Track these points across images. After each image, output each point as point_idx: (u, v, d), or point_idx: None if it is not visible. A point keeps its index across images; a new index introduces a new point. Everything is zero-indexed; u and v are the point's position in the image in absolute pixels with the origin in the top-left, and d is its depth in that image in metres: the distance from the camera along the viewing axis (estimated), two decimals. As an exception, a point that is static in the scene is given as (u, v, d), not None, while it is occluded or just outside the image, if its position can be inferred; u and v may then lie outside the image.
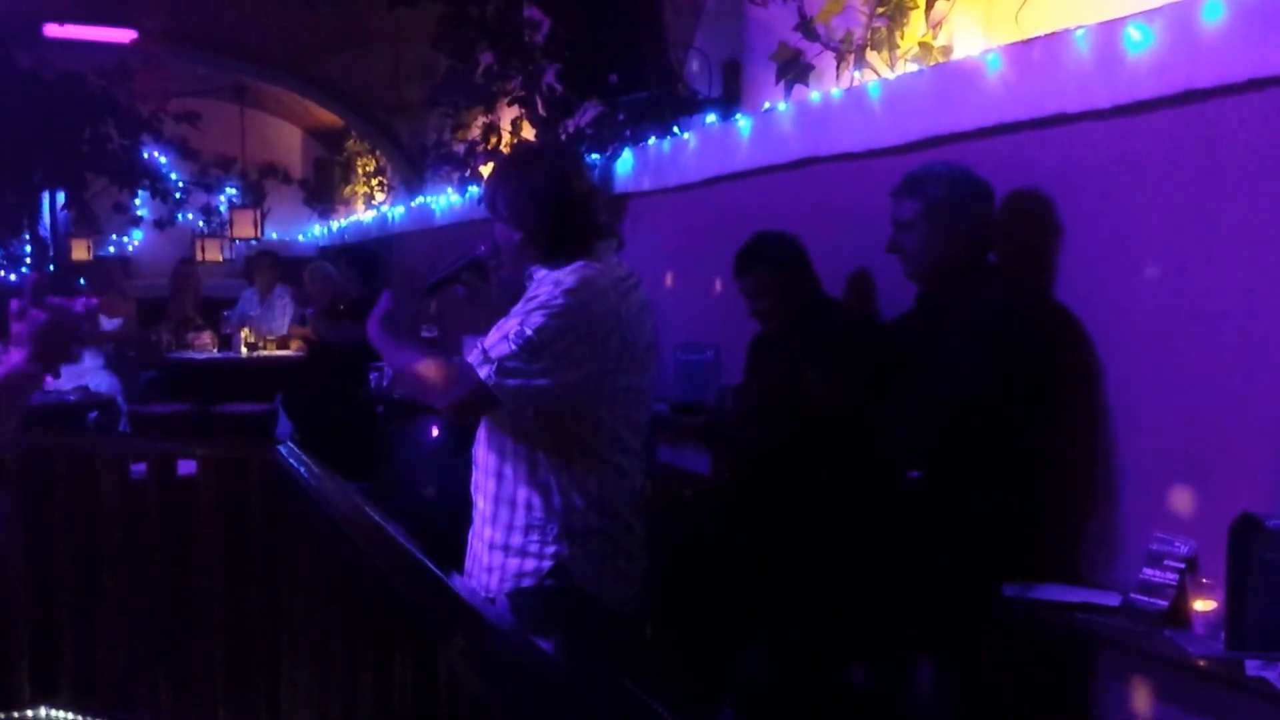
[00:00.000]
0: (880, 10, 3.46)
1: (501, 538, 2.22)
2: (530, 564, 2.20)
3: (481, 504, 2.29)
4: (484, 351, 2.10)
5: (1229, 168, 2.31)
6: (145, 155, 10.45)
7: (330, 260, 7.68)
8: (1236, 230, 2.30)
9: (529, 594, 2.19)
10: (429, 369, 2.18)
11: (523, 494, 2.21)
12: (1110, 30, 2.53)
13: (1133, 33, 2.47)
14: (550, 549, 2.19)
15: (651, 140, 4.86)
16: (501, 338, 2.10)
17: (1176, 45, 2.38)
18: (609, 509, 2.21)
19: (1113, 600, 2.44)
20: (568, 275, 2.16)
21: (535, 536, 2.20)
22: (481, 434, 2.31)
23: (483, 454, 2.29)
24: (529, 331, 2.08)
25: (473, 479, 2.33)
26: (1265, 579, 2.10)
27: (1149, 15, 2.44)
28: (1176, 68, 2.38)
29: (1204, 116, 2.35)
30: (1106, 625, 2.37)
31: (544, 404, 2.13)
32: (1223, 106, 2.31)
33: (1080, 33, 2.60)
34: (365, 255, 6.80)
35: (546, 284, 2.16)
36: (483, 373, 2.08)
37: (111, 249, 11.11)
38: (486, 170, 6.85)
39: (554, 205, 2.22)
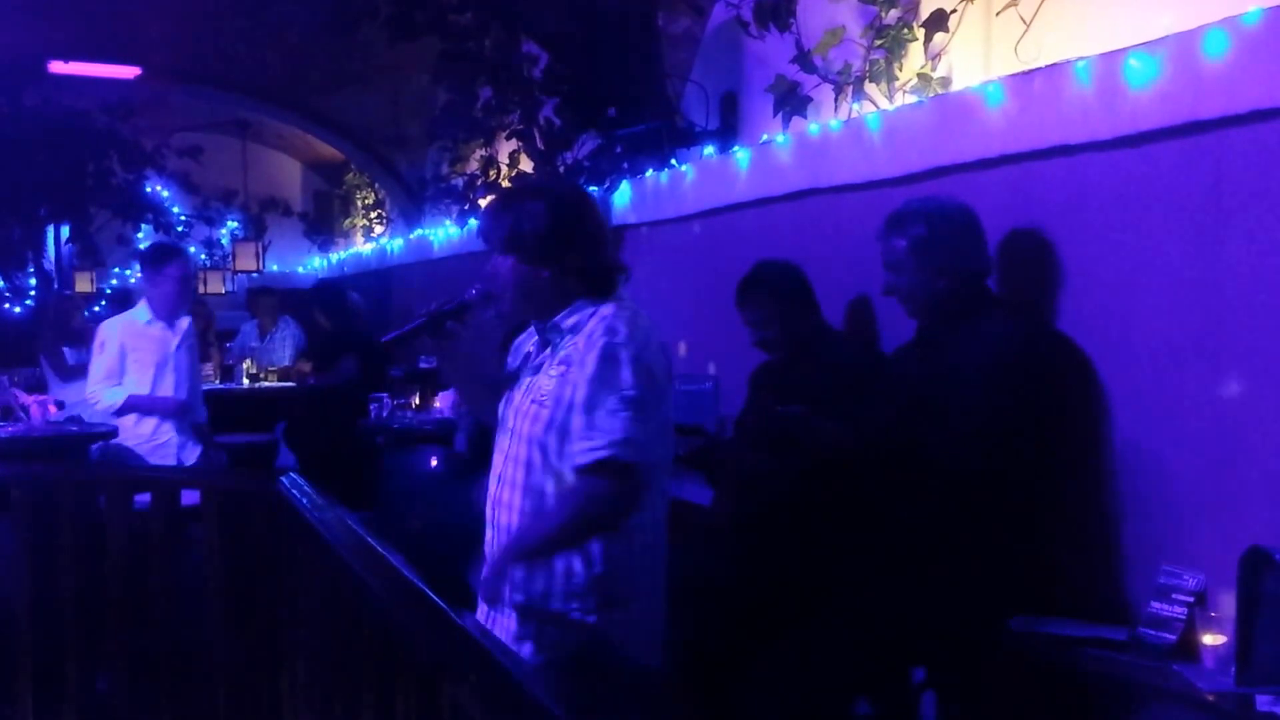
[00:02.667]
0: (878, 42, 3.48)
1: (538, 604, 2.13)
2: (571, 634, 2.12)
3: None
4: (583, 440, 2.07)
5: (1233, 199, 2.32)
6: (148, 189, 10.51)
7: (303, 299, 7.76)
8: (1242, 262, 2.30)
9: (569, 665, 2.12)
10: (568, 518, 2.11)
11: (562, 560, 2.12)
12: (1112, 61, 2.54)
13: (1134, 64, 2.48)
14: (591, 618, 2.12)
15: (649, 172, 4.88)
16: (602, 413, 2.06)
17: (1179, 76, 2.39)
18: (648, 569, 2.16)
19: (1121, 635, 2.41)
20: (616, 322, 2.11)
21: (576, 604, 2.12)
22: (503, 496, 2.22)
23: (507, 518, 2.20)
24: (628, 392, 2.06)
25: (490, 539, 2.24)
26: (1275, 613, 2.08)
27: (1151, 46, 2.46)
28: (1179, 99, 2.39)
29: (1207, 148, 2.36)
30: (1115, 660, 2.35)
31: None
32: (1226, 138, 2.32)
33: (1081, 64, 2.62)
34: (334, 291, 6.85)
35: (597, 337, 2.11)
36: (598, 456, 2.05)
37: (114, 281, 11.14)
38: (486, 203, 6.88)
39: (587, 240, 2.18)
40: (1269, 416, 2.24)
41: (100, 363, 4.90)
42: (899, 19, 3.46)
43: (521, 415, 2.20)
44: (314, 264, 11.86)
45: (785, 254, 3.56)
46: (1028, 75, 2.80)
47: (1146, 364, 2.51)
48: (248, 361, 7.83)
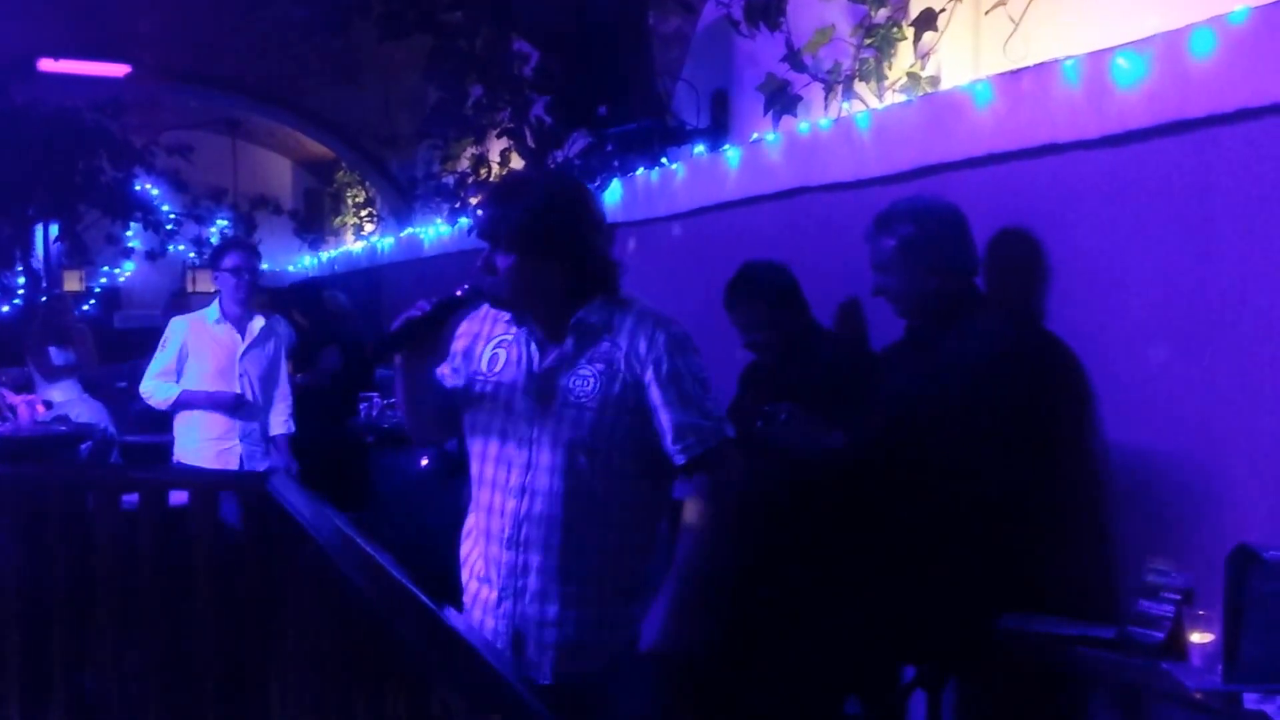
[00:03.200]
0: (868, 41, 3.49)
1: (574, 613, 2.08)
2: (621, 635, 2.09)
3: (536, 581, 2.09)
4: (690, 433, 2.04)
5: (1220, 198, 2.32)
6: (137, 187, 10.48)
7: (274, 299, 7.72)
8: (1229, 260, 2.31)
9: (619, 672, 2.09)
10: (705, 514, 2.08)
11: (611, 562, 2.09)
12: (1099, 61, 2.55)
13: (1122, 63, 2.48)
14: (635, 619, 2.09)
15: (640, 171, 4.88)
16: (698, 399, 2.06)
17: (1166, 75, 2.40)
18: (674, 558, 2.12)
19: (1109, 633, 2.42)
20: (656, 312, 2.12)
21: (621, 606, 2.10)
22: (532, 509, 2.09)
23: (536, 532, 2.08)
24: (704, 375, 2.07)
25: (495, 555, 2.12)
26: (1263, 611, 2.09)
27: (1138, 45, 2.46)
28: (1167, 98, 2.40)
29: (1195, 146, 2.37)
30: (1103, 658, 2.36)
31: None
32: (1213, 136, 2.32)
33: (1069, 63, 2.62)
34: (309, 289, 6.83)
35: (652, 329, 2.08)
36: (718, 439, 2.06)
37: (103, 280, 11.11)
38: (476, 201, 6.87)
39: (593, 231, 2.14)
40: (1256, 415, 2.25)
41: (159, 358, 4.59)
42: (888, 18, 3.47)
43: (545, 420, 2.08)
44: (304, 262, 11.85)
45: (775, 252, 3.56)
46: (1016, 74, 2.81)
47: (1134, 362, 2.51)
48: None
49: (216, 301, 4.63)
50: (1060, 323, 2.70)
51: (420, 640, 1.66)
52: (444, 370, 2.25)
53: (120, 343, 8.18)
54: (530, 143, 5.80)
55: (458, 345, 2.24)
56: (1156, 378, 2.46)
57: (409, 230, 8.58)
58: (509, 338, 2.17)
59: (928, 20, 3.31)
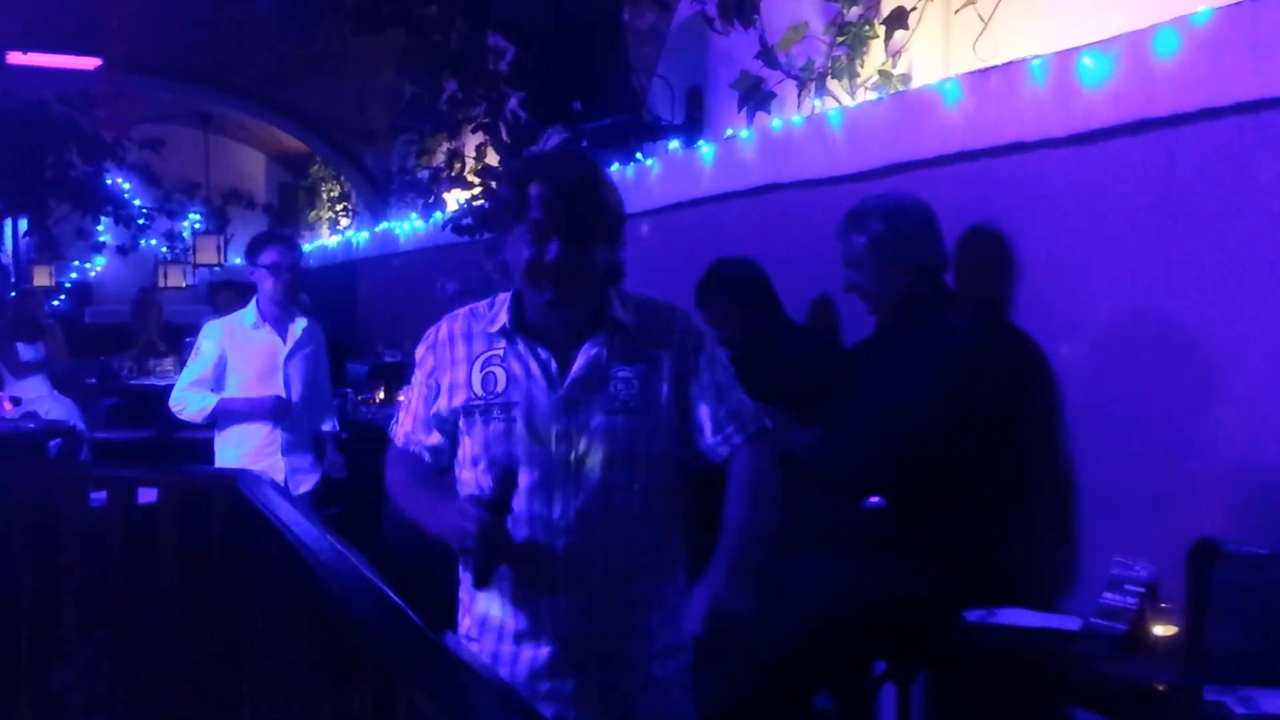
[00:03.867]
0: (840, 39, 3.51)
1: (660, 635, 1.90)
2: (683, 657, 1.95)
3: (604, 624, 1.85)
4: (730, 422, 1.88)
5: (1183, 195, 2.35)
6: (108, 181, 10.38)
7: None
8: (1193, 257, 2.34)
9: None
10: (760, 476, 1.88)
11: (679, 576, 1.93)
12: (1066, 60, 2.57)
13: (1088, 62, 2.51)
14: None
15: (615, 166, 4.88)
16: (735, 391, 1.91)
17: (1131, 75, 2.43)
18: (726, 524, 1.92)
19: (1074, 625, 2.45)
20: (668, 302, 1.96)
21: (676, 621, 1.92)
22: (592, 536, 1.83)
23: (595, 569, 1.83)
24: (727, 363, 1.94)
25: (564, 598, 1.83)
26: (1223, 604, 2.12)
27: (1104, 45, 2.49)
28: (1131, 97, 2.42)
29: (1159, 145, 2.39)
30: (1067, 650, 2.38)
31: None
32: (1177, 135, 2.35)
33: (1037, 62, 2.65)
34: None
35: (686, 322, 1.92)
36: (759, 424, 1.92)
37: (74, 275, 11.00)
38: (451, 196, 6.85)
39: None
40: (1218, 409, 2.28)
41: (191, 367, 4.19)
42: (860, 16, 3.48)
43: (584, 435, 1.82)
44: (279, 257, 11.76)
45: (748, 248, 3.57)
46: (984, 73, 2.83)
47: (1099, 357, 2.54)
48: (210, 356, 7.75)
49: (253, 302, 4.16)
50: (1028, 318, 2.73)
51: (388, 638, 1.66)
52: (416, 423, 1.97)
53: (90, 338, 8.12)
54: (505, 138, 5.79)
55: (426, 380, 1.94)
56: (1122, 373, 2.49)
57: (384, 225, 8.55)
58: (499, 353, 1.87)
59: (899, 19, 3.33)
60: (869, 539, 2.65)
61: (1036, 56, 2.65)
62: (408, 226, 7.84)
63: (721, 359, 1.95)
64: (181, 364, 7.73)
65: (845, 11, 3.51)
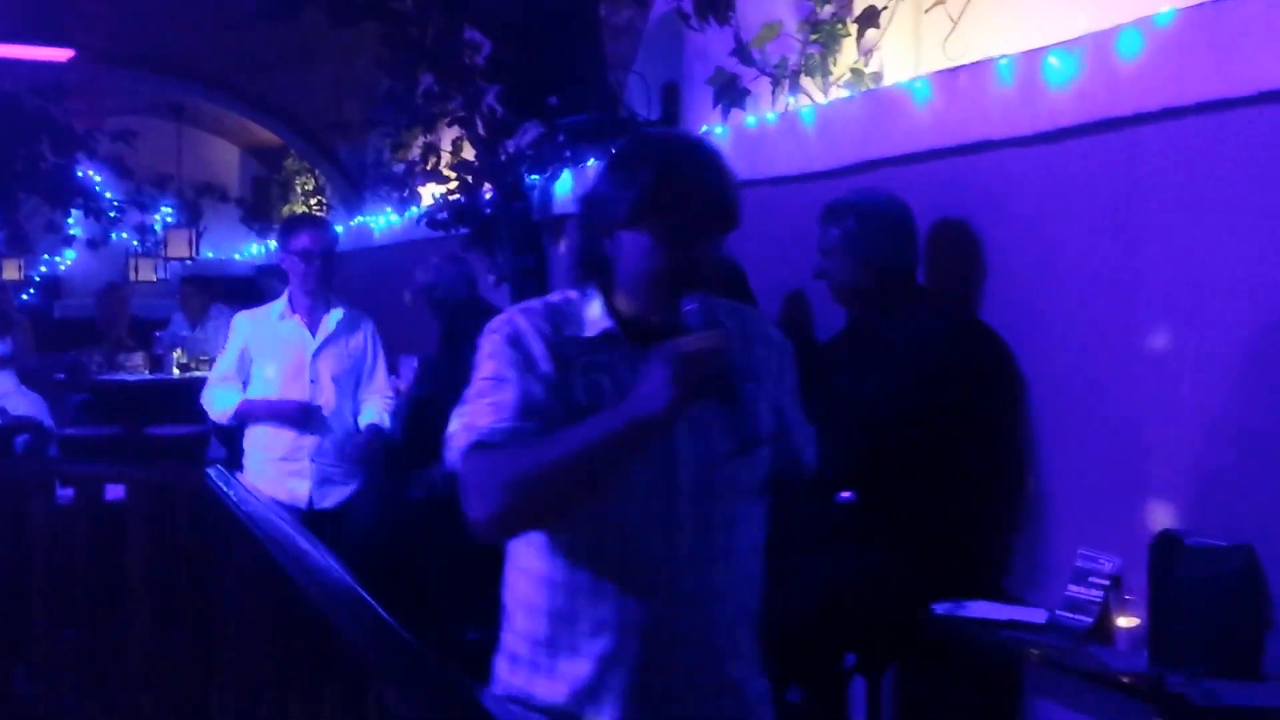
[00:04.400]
0: (814, 37, 3.52)
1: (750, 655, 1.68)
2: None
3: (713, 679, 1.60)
4: (802, 431, 1.73)
5: (1146, 193, 2.38)
6: (79, 174, 10.29)
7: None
8: (1156, 253, 2.37)
9: None
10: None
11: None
12: (1032, 60, 2.59)
13: (1053, 62, 2.53)
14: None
15: (591, 162, 4.87)
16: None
17: (1095, 75, 2.45)
18: None
19: (1040, 617, 2.48)
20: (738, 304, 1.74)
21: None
22: (711, 580, 1.57)
23: (716, 612, 1.59)
24: None
25: (679, 652, 1.57)
26: (1185, 596, 2.15)
27: (1069, 45, 2.51)
28: (1096, 96, 2.45)
29: (1123, 143, 2.42)
30: (1033, 642, 2.41)
31: None
32: (1140, 134, 2.38)
33: (1004, 62, 2.67)
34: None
35: (767, 326, 1.73)
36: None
37: (43, 269, 10.89)
38: (427, 190, 6.83)
39: None
40: (1183, 403, 2.31)
41: (219, 362, 3.98)
42: (833, 14, 3.50)
43: (714, 461, 1.56)
44: (251, 251, 11.70)
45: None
46: (953, 72, 2.85)
47: (1064, 353, 2.57)
48: (178, 351, 7.69)
49: (286, 293, 3.89)
50: (995, 313, 2.75)
51: (358, 637, 1.66)
52: (504, 410, 1.52)
53: (59, 333, 8.05)
54: (481, 132, 5.78)
55: (506, 373, 1.56)
56: (1087, 366, 2.52)
57: (359, 219, 8.51)
58: (603, 357, 1.58)
59: (870, 18, 3.35)
60: (838, 532, 2.67)
61: (1003, 56, 2.67)
62: (383, 221, 7.81)
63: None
64: (151, 360, 7.73)
65: (818, 9, 3.52)
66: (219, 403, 3.85)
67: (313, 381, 3.79)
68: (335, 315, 3.86)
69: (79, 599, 3.37)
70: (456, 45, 5.96)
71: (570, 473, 1.46)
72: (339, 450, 3.79)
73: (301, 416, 3.74)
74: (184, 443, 6.25)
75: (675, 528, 1.55)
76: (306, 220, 4.21)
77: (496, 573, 1.66)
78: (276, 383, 3.80)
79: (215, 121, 11.21)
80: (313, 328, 3.84)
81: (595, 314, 1.60)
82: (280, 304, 3.89)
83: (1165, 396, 2.35)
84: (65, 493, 3.40)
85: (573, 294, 1.64)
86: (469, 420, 1.54)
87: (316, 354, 3.82)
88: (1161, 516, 2.32)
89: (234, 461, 4.00)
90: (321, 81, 8.65)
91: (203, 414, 4.28)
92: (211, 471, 2.98)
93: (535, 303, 1.65)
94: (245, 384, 3.84)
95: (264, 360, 3.83)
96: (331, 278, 3.92)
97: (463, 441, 1.52)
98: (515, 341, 1.58)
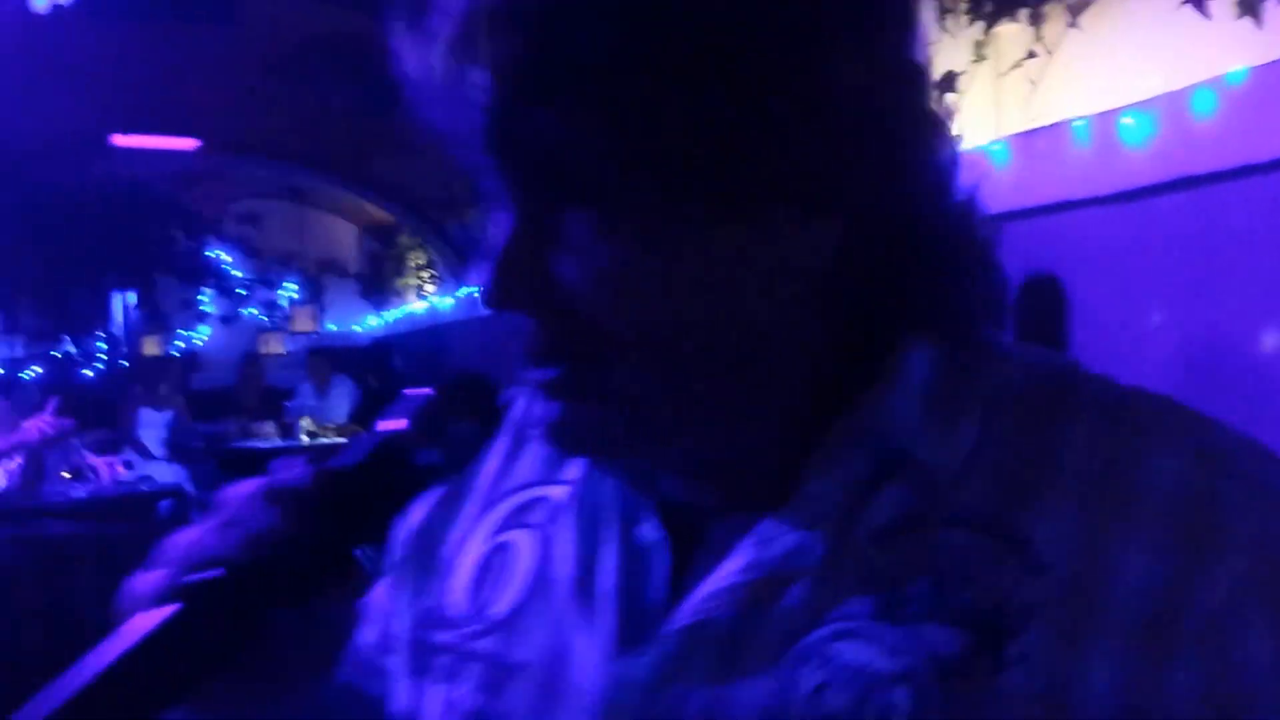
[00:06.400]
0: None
1: None
2: None
3: None
4: None
5: (1225, 249, 2.41)
6: (210, 254, 10.91)
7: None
8: (1234, 309, 2.38)
9: None
10: None
11: None
12: (1107, 120, 2.65)
13: (1128, 122, 2.59)
14: None
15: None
16: None
17: (1171, 134, 2.50)
18: None
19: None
20: None
21: None
22: None
23: None
24: None
25: None
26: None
27: (1144, 105, 2.56)
28: (1172, 155, 2.49)
29: (1200, 201, 2.45)
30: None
31: None
32: (1217, 191, 2.41)
33: (1080, 123, 2.73)
34: (382, 353, 6.94)
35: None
36: None
37: (180, 344, 11.51)
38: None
39: None
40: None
41: None
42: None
43: None
44: (369, 323, 12.17)
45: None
46: (1031, 135, 2.92)
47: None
48: (305, 419, 8.08)
49: None
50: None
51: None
52: None
53: (195, 404, 8.50)
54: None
55: None
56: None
57: (465, 290, 8.84)
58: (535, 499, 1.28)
59: (949, 82, 3.43)
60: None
61: (1080, 117, 2.73)
62: (490, 290, 8.08)
63: None
64: (282, 428, 8.12)
65: (899, 76, 3.62)
66: None
67: None
68: None
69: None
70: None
71: None
72: None
73: None
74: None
75: None
76: None
77: None
78: None
79: (333, 202, 11.76)
80: None
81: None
82: None
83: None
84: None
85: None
86: None
87: None
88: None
89: None
90: (429, 160, 9.05)
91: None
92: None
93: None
94: None
95: None
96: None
97: None
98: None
